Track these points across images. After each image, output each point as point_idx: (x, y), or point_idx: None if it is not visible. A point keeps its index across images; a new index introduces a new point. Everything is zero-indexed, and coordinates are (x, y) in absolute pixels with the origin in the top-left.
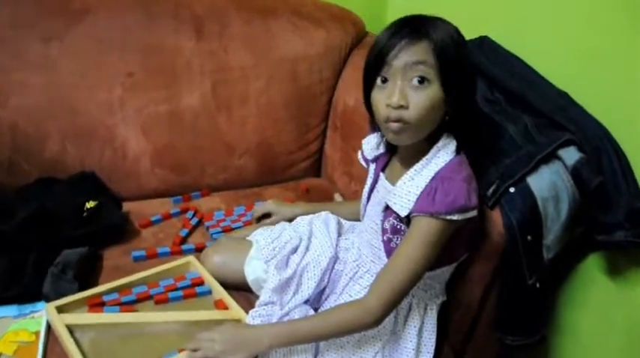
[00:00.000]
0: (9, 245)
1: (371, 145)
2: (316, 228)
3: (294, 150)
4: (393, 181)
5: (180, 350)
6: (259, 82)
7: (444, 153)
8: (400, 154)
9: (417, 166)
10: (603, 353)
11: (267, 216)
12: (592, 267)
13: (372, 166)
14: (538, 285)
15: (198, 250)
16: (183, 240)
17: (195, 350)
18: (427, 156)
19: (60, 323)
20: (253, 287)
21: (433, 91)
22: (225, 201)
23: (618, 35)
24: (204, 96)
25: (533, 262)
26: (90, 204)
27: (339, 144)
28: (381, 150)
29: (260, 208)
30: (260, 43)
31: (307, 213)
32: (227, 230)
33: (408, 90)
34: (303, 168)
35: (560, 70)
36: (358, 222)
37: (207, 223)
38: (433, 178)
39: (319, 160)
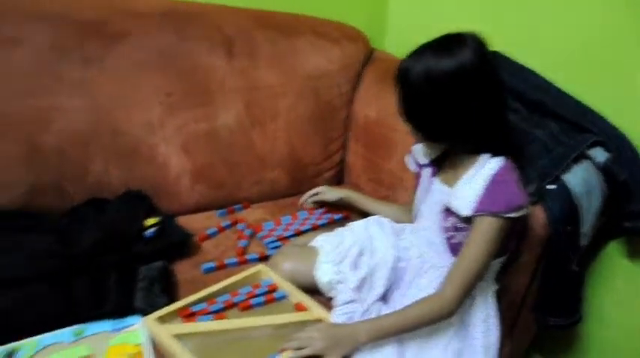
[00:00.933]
0: (84, 267)
1: (423, 152)
2: (374, 231)
3: (319, 161)
4: (448, 184)
5: (282, 351)
6: (287, 99)
7: (494, 159)
8: (452, 161)
9: (472, 171)
10: (624, 331)
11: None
12: (614, 252)
13: (426, 170)
14: (577, 269)
15: (261, 259)
16: (245, 251)
17: (298, 349)
18: (480, 162)
19: (166, 333)
20: (324, 289)
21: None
22: (268, 212)
23: (626, 46)
24: (239, 113)
25: (574, 249)
26: (151, 221)
27: (362, 153)
28: (433, 156)
29: (314, 189)
30: (286, 62)
31: (349, 198)
32: (281, 238)
33: None
34: (328, 178)
35: (571, 79)
36: (407, 224)
37: (259, 234)
38: (489, 181)
39: (342, 170)
